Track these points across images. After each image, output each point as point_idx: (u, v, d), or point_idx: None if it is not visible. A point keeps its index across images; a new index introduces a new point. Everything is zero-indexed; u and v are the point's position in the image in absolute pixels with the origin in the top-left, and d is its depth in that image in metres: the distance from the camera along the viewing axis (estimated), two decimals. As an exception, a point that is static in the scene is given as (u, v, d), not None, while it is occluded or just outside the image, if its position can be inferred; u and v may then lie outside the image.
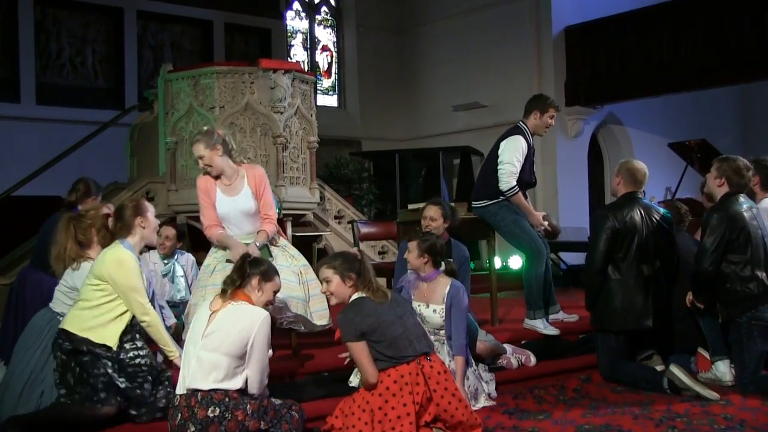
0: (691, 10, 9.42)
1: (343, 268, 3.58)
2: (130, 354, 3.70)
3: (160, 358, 3.91)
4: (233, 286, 3.46)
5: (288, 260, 4.34)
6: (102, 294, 3.67)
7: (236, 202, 4.24)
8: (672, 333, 4.88)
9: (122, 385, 3.59)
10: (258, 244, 4.17)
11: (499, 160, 5.23)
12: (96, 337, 3.62)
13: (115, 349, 3.64)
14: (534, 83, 10.40)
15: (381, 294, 3.58)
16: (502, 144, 5.28)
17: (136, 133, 7.95)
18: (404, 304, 3.73)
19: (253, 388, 3.38)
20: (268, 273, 3.54)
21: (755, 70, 9.06)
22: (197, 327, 3.42)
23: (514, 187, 5.15)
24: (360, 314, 3.48)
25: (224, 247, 4.23)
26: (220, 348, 3.31)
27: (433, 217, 4.70)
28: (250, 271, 3.48)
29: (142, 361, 3.71)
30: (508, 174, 5.16)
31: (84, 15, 9.78)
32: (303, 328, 4.35)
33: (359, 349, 3.46)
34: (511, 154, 5.19)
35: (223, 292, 3.47)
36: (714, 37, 9.20)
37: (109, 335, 3.65)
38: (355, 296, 3.60)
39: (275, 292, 3.60)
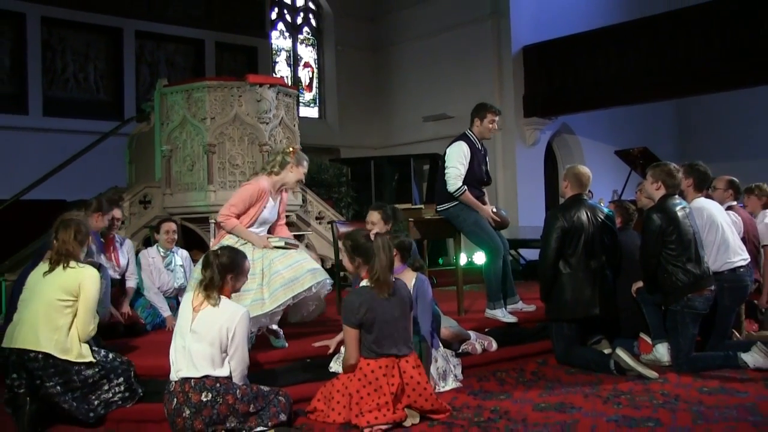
0: (634, 33, 9.60)
1: (353, 251, 3.71)
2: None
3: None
4: (213, 288, 3.41)
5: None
6: (70, 311, 3.56)
7: (273, 209, 4.46)
8: (617, 320, 4.95)
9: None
10: (278, 239, 4.38)
11: (444, 165, 5.31)
12: (75, 356, 3.52)
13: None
14: (495, 96, 10.47)
15: (384, 288, 3.55)
16: (447, 151, 5.36)
17: (134, 142, 7.86)
18: (405, 305, 3.66)
19: (236, 378, 3.39)
20: (234, 264, 3.48)
21: (688, 86, 9.33)
22: (183, 321, 3.43)
23: (461, 187, 5.21)
24: (365, 306, 3.50)
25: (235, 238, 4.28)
26: (205, 339, 3.33)
27: (373, 222, 4.73)
28: (219, 268, 3.42)
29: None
30: (453, 177, 5.23)
31: (87, 34, 9.65)
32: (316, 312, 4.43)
33: (352, 335, 3.52)
34: (454, 159, 5.26)
35: (206, 294, 3.41)
36: (654, 57, 9.38)
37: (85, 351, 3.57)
38: (364, 283, 3.62)
39: (246, 272, 3.59)
